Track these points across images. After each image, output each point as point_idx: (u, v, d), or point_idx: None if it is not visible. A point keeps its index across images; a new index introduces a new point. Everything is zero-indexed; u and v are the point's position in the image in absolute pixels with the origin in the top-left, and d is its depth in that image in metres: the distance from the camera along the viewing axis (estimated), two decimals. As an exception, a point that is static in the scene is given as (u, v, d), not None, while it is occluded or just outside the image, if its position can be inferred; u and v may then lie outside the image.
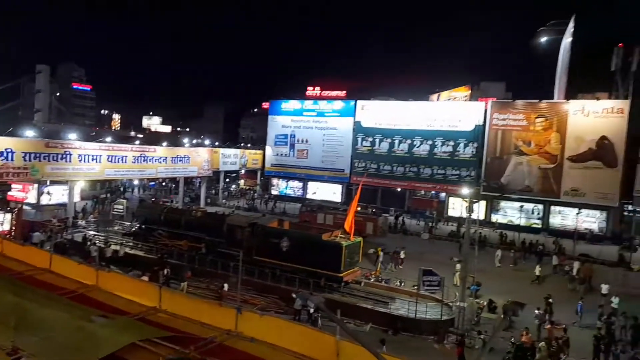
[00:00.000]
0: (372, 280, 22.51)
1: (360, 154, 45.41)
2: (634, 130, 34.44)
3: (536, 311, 17.68)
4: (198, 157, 41.03)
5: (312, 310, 17.09)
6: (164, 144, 46.55)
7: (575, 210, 34.97)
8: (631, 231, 33.39)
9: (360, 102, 45.86)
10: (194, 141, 65.58)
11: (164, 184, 54.10)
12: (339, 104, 47.11)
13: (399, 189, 44.57)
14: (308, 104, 48.75)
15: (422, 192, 44.57)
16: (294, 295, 17.74)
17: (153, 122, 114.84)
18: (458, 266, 22.76)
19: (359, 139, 45.37)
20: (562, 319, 17.78)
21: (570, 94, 38.86)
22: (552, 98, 39.14)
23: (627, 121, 34.46)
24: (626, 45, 36.59)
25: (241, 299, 14.24)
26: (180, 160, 38.51)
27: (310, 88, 50.15)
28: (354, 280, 21.51)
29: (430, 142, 41.91)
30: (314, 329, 6.72)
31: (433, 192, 43.52)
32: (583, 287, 22.12)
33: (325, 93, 49.06)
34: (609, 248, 31.08)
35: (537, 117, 37.51)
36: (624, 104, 34.94)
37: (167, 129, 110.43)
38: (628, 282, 23.12)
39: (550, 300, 18.92)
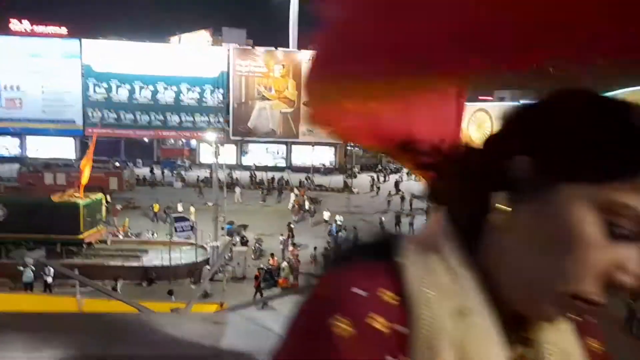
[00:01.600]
0: (120, 237, 20.95)
1: (94, 103, 39.58)
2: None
3: (280, 237, 19.67)
4: None
5: (49, 280, 15.11)
6: None
7: (310, 148, 39.71)
8: (352, 162, 40.11)
9: (87, 42, 39.41)
10: None
11: None
12: (59, 44, 39.10)
13: (145, 139, 41.84)
14: (15, 41, 38.44)
15: (172, 140, 43.06)
16: (20, 268, 15.16)
17: None
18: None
19: (91, 85, 39.35)
20: (302, 242, 20.37)
21: (302, 44, 42.70)
22: (289, 47, 42.29)
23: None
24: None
25: None
26: None
27: (15, 21, 39.49)
28: (98, 241, 19.58)
29: (175, 89, 40.12)
30: (51, 295, 5.85)
31: (183, 140, 42.54)
32: (302, 214, 25.60)
33: (40, 29, 39.92)
34: (337, 178, 36.59)
35: (275, 65, 40.08)
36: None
37: None
38: (350, 203, 27.80)
39: (292, 226, 21.33)
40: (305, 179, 34.94)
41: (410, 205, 26.55)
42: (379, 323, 0.47)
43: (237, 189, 30.01)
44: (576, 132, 0.48)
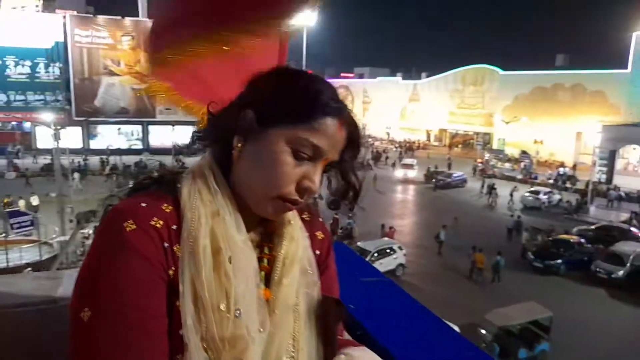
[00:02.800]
0: None
1: None
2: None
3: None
4: None
5: None
6: None
7: (170, 127, 37.23)
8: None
9: None
10: None
11: None
12: None
13: (-37, 123, 35.01)
14: None
15: (-1, 123, 36.68)
16: None
17: None
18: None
19: None
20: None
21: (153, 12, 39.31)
22: (138, 16, 38.55)
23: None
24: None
25: None
26: None
27: None
28: None
29: (-1, 62, 34.09)
30: None
31: (14, 122, 36.50)
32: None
33: None
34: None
35: (123, 36, 36.29)
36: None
37: None
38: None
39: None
40: (176, 161, 32.66)
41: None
42: (158, 223, 0.68)
43: (76, 175, 26.79)
44: (275, 93, 0.73)
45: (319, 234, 0.90)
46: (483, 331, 12.39)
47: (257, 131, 0.73)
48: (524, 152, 39.24)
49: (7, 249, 15.47)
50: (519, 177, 35.06)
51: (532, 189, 29.65)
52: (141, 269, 0.65)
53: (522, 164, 37.66)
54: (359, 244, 17.34)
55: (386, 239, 18.31)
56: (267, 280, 0.77)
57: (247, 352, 0.68)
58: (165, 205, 0.71)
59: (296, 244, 0.81)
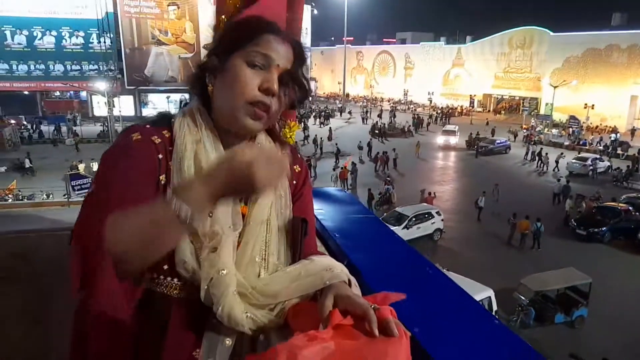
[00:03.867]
0: (9, 200, 19.04)
1: (-43, 52, 34.37)
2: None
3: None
4: None
5: None
6: None
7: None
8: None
9: None
10: None
11: None
12: None
13: (26, 92, 37.28)
14: None
15: (57, 92, 38.80)
16: None
17: None
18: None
19: (-49, 32, 33.91)
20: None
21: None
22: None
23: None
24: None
25: None
26: None
27: None
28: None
29: (55, 33, 35.65)
30: None
31: (72, 92, 38.54)
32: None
33: None
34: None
35: (169, 5, 37.06)
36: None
37: None
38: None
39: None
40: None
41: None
42: (157, 140, 0.92)
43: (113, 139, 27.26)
44: (227, 32, 0.99)
45: (296, 168, 1.08)
46: (520, 296, 12.65)
47: (221, 67, 0.94)
48: (572, 118, 37.71)
49: (70, 210, 16.85)
50: (567, 143, 33.93)
51: (580, 155, 28.76)
52: (137, 167, 0.88)
53: (570, 130, 36.30)
54: (397, 209, 17.70)
55: (425, 204, 18.52)
56: (247, 199, 0.97)
57: (221, 243, 0.88)
58: (165, 132, 0.94)
59: None
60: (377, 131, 36.21)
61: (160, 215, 0.77)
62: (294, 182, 1.06)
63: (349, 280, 0.90)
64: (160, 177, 0.91)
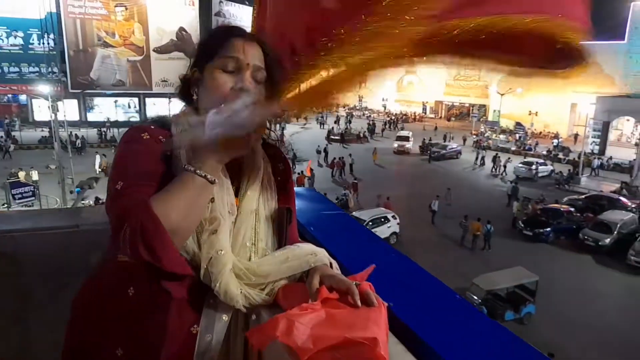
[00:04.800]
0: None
1: None
2: (205, 22, 38.21)
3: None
4: None
5: None
6: None
7: (166, 99, 37.11)
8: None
9: None
10: None
11: None
12: None
13: (-42, 95, 34.79)
14: None
15: (-6, 96, 36.43)
16: None
17: None
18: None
19: None
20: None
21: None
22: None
23: (197, 12, 37.71)
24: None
25: None
26: None
27: None
28: None
29: (-10, 33, 33.62)
30: None
31: (10, 95, 36.30)
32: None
33: None
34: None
35: (116, 6, 35.78)
36: (194, -4, 37.80)
37: None
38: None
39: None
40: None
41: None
42: (161, 138, 1.04)
43: (56, 145, 24.68)
44: (201, 46, 1.13)
45: (280, 165, 1.22)
46: (472, 295, 12.98)
47: (201, 77, 1.08)
48: (518, 124, 39.48)
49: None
50: (513, 148, 35.45)
51: (525, 159, 30.11)
52: (150, 154, 1.00)
53: (516, 136, 37.95)
54: (354, 213, 17.80)
55: (381, 208, 18.77)
56: (238, 192, 1.11)
57: (220, 227, 1.00)
58: (166, 132, 1.06)
59: (257, 168, 1.13)
60: (334, 136, 36.45)
61: (193, 185, 0.93)
62: (279, 178, 1.20)
63: (331, 264, 1.06)
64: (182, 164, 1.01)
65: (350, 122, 43.89)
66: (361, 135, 38.54)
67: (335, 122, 43.12)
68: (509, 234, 18.74)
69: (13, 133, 31.63)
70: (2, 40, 33.92)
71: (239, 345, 1.05)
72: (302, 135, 38.62)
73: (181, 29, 37.20)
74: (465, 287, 13.16)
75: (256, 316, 1.04)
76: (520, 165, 28.23)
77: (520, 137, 37.68)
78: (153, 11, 36.40)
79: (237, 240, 1.05)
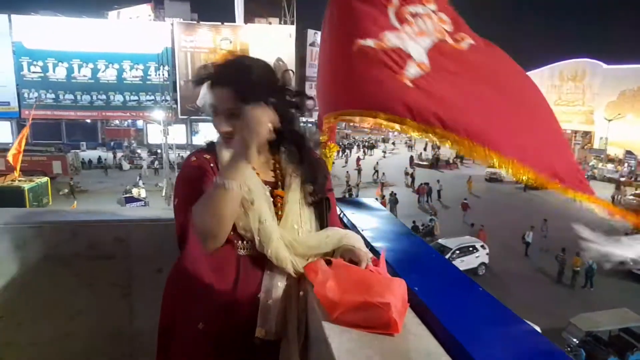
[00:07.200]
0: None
1: (29, 82, 36.95)
2: (301, 52, 40.32)
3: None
4: None
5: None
6: None
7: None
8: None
9: (17, 17, 36.39)
10: None
11: None
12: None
13: (88, 121, 39.99)
14: None
15: (117, 121, 41.36)
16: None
17: None
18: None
19: (25, 64, 36.62)
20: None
21: (247, 18, 41.82)
22: (234, 21, 41.28)
23: (294, 44, 39.92)
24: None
25: None
26: None
27: None
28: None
29: (117, 66, 38.32)
30: None
31: (129, 120, 40.97)
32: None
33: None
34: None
35: (221, 40, 39.13)
36: (290, 29, 40.15)
37: None
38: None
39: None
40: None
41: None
42: (208, 156, 1.35)
43: (144, 164, 26.30)
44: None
45: (318, 167, 1.48)
46: (569, 336, 12.08)
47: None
48: (628, 152, 36.05)
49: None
50: (622, 179, 32.38)
51: (637, 191, 27.36)
52: (198, 174, 1.29)
53: (625, 165, 34.68)
54: (439, 240, 17.44)
55: (468, 237, 18.15)
56: (283, 185, 1.38)
57: (255, 197, 1.28)
58: (213, 153, 1.35)
59: (298, 167, 1.41)
60: (421, 162, 36.12)
61: (214, 193, 1.16)
62: (317, 176, 1.45)
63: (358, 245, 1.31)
64: (214, 179, 1.25)
65: (439, 147, 43.07)
66: (450, 161, 37.65)
67: (424, 149, 42.64)
68: (615, 272, 17.10)
69: (133, 155, 35.33)
70: (126, 72, 38.55)
71: (293, 309, 1.27)
72: (390, 159, 38.68)
73: (278, 59, 38.49)
74: (562, 326, 12.28)
75: (303, 293, 1.28)
76: (631, 197, 25.72)
77: (630, 166, 34.33)
78: (254, 43, 39.20)
79: (286, 223, 1.31)
